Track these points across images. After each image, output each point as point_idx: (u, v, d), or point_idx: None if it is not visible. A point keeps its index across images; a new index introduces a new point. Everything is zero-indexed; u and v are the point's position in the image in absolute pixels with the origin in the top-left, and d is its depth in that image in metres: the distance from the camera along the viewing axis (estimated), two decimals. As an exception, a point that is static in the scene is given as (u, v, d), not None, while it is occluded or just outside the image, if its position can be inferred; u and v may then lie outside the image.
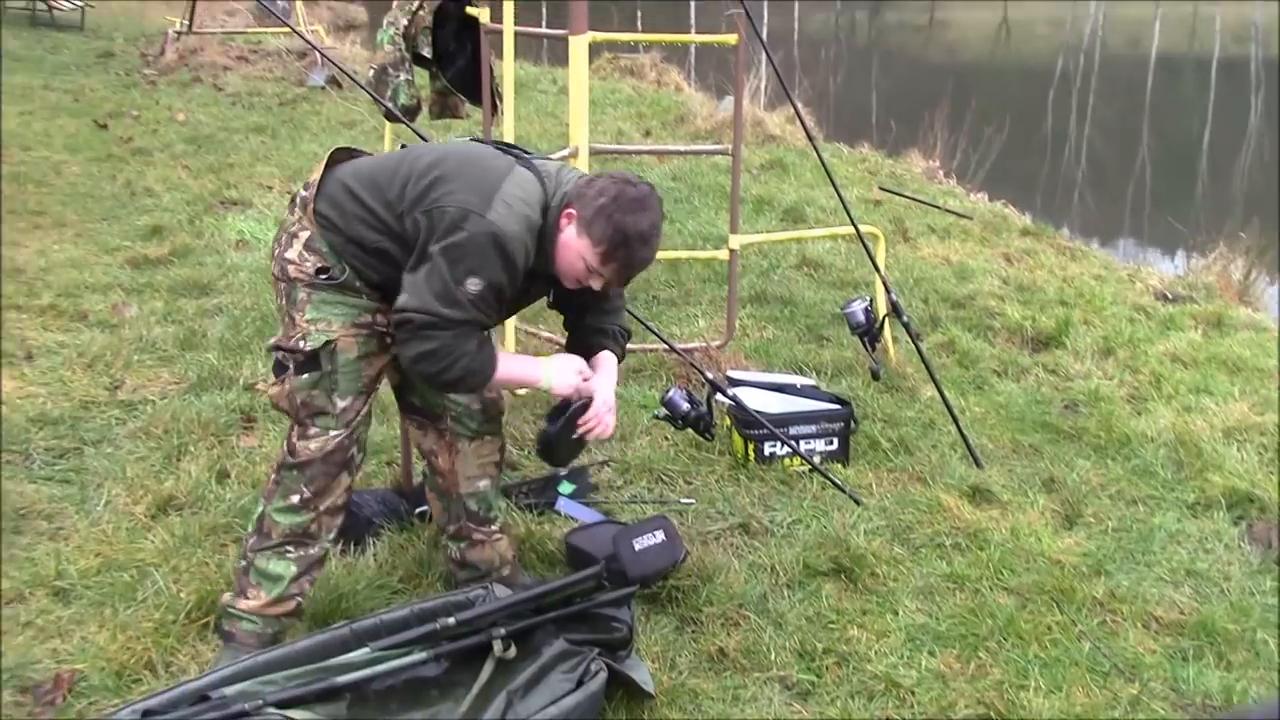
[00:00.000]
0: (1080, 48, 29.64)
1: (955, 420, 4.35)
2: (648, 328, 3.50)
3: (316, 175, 2.87)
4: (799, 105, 5.00)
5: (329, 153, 2.95)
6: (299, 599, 2.95)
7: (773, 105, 11.70)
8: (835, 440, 4.21)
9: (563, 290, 2.98)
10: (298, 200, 2.90)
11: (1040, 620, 3.33)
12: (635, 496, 3.95)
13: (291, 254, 2.86)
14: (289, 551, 2.92)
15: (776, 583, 3.47)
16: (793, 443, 4.04)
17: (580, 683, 2.75)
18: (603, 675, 2.78)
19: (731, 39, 4.75)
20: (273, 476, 2.94)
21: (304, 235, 2.86)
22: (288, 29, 12.78)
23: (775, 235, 6.27)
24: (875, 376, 4.70)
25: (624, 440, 4.32)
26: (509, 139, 4.34)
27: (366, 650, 2.69)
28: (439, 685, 2.72)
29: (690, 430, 4.02)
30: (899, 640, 3.24)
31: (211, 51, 12.46)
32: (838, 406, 4.26)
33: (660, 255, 6.23)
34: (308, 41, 5.04)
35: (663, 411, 3.93)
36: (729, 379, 4.39)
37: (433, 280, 2.68)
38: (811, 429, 4.17)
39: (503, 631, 2.79)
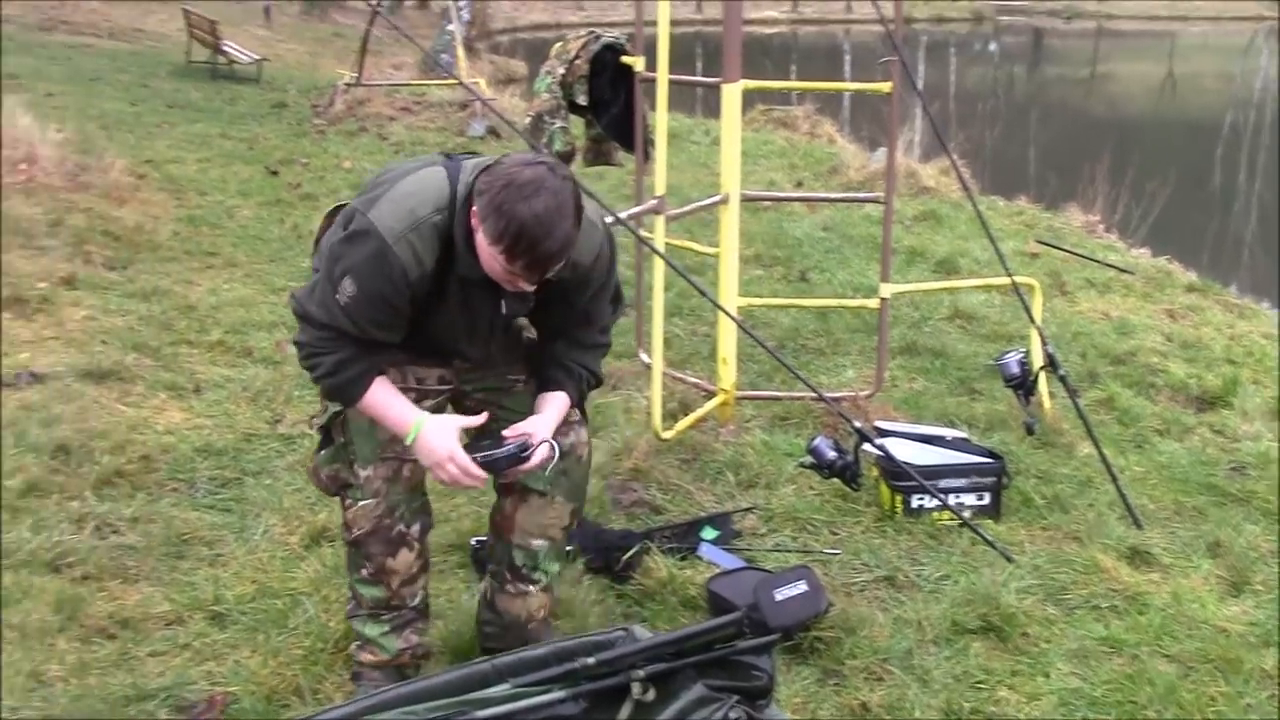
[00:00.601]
0: (1251, 101, 28.63)
1: (1114, 478, 4.20)
2: (795, 374, 3.47)
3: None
4: (954, 155, 4.94)
5: (329, 211, 2.89)
6: (410, 652, 2.97)
7: (927, 157, 11.58)
8: (987, 495, 4.10)
9: (538, 307, 2.78)
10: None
11: (1204, 690, 3.17)
12: (779, 545, 3.90)
13: None
14: (382, 616, 2.93)
15: (923, 639, 3.38)
16: (942, 496, 3.95)
17: (718, 729, 2.71)
18: (741, 723, 2.74)
19: (886, 87, 4.73)
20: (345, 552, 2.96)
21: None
22: (452, 82, 13.21)
23: (928, 285, 6.18)
24: (1030, 431, 4.57)
25: (769, 488, 4.28)
26: (660, 187, 4.38)
27: (506, 686, 2.70)
28: (576, 726, 2.71)
29: (836, 480, 3.97)
30: (1051, 704, 3.11)
31: (378, 103, 12.91)
32: (990, 460, 4.15)
33: (809, 303, 6.27)
34: (471, 91, 5.18)
35: (809, 460, 3.89)
36: (877, 429, 4.32)
37: (317, 279, 2.61)
38: (962, 482, 4.07)
39: (642, 674, 2.77)
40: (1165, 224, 10.34)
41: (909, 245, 7.97)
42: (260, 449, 4.46)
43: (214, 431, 4.60)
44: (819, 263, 7.46)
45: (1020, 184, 12.61)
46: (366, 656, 2.98)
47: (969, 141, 14.21)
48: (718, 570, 3.64)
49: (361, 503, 2.81)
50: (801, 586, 3.36)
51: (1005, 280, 4.64)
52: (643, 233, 4.22)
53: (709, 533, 3.88)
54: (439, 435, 2.64)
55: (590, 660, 2.76)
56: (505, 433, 2.74)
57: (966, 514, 3.99)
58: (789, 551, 3.84)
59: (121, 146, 9.69)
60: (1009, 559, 3.78)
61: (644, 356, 5.26)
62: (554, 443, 2.74)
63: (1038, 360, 4.61)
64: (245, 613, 3.39)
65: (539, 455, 2.73)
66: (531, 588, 3.08)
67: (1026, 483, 4.36)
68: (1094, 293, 7.29)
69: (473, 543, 3.66)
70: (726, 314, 3.79)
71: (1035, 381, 4.49)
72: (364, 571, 2.89)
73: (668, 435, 4.37)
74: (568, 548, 3.15)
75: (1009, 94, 33.02)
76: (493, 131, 11.77)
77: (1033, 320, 4.32)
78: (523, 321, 2.90)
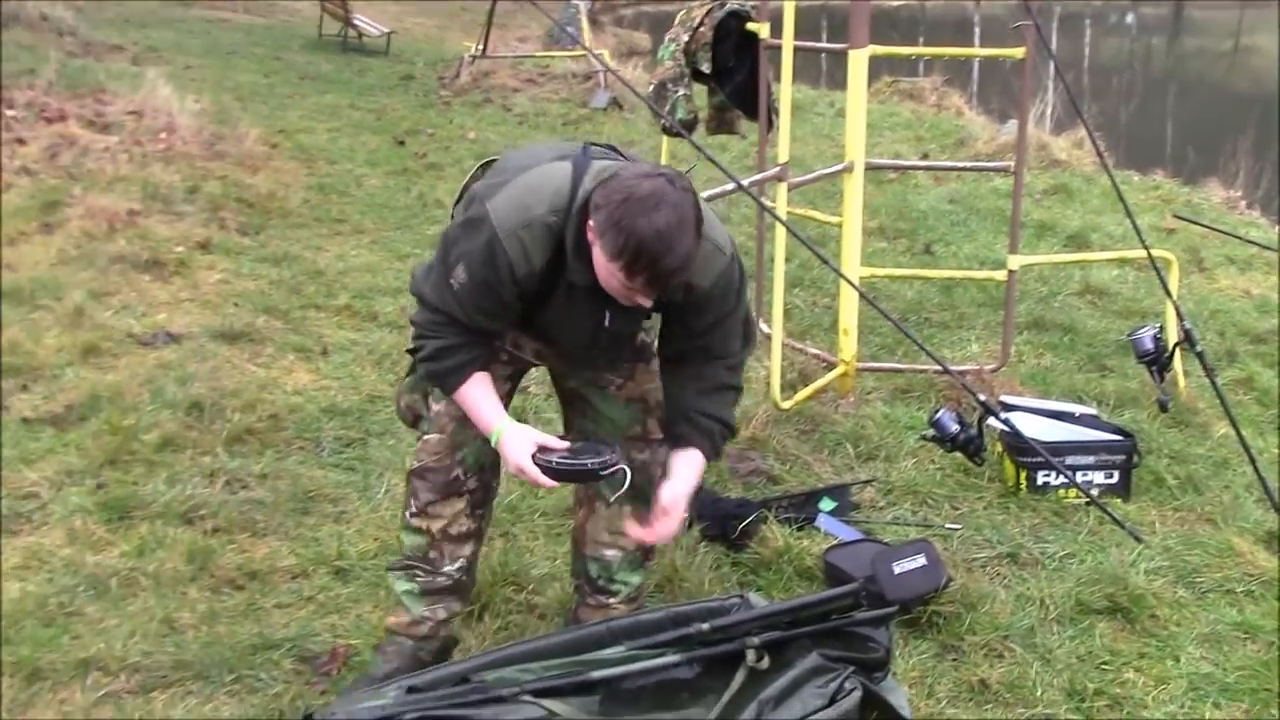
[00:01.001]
0: None
1: (1252, 460, 4.01)
2: (918, 345, 3.40)
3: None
4: (1089, 124, 4.78)
5: (483, 162, 2.85)
6: (429, 624, 2.88)
7: (1059, 129, 11.25)
8: (1115, 474, 3.98)
9: (664, 325, 2.73)
10: None
11: (1344, 680, 3.05)
12: (898, 518, 3.84)
13: None
14: (416, 574, 2.87)
15: (1045, 617, 3.30)
16: (1069, 473, 3.84)
17: (833, 699, 2.67)
18: (857, 694, 2.70)
19: (1019, 52, 4.59)
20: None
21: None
22: (577, 53, 13.23)
23: (1058, 257, 6.02)
24: (1163, 409, 4.42)
25: (889, 461, 4.22)
26: (783, 155, 4.33)
27: (621, 648, 2.71)
28: (690, 689, 2.70)
29: (959, 454, 3.89)
30: (1180, 689, 3.02)
31: (502, 75, 12.99)
32: (1120, 438, 4.03)
33: (934, 274, 6.14)
34: (596, 60, 5.18)
35: (931, 432, 3.81)
36: (1002, 404, 4.22)
37: (435, 262, 2.60)
38: (1090, 460, 3.96)
39: (757, 641, 2.75)
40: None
41: (1038, 219, 7.75)
42: (384, 411, 4.54)
43: (340, 393, 4.70)
44: (944, 236, 7.31)
45: (1156, 159, 12.17)
46: (391, 618, 2.92)
47: (1103, 115, 13.80)
48: (835, 542, 3.60)
49: (427, 436, 2.80)
50: (920, 560, 3.31)
51: (1141, 253, 4.47)
52: (765, 201, 4.17)
53: (827, 504, 3.84)
54: (515, 446, 2.58)
55: (705, 626, 2.75)
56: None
57: (1094, 492, 3.88)
58: (908, 525, 3.78)
59: (255, 117, 9.92)
60: (1138, 539, 3.67)
61: (764, 327, 5.21)
62: (628, 469, 2.64)
63: (1173, 336, 4.45)
64: (367, 568, 3.46)
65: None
66: (611, 600, 3.00)
67: (1158, 462, 4.22)
68: (1234, 270, 7.01)
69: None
70: (849, 282, 3.74)
71: (1170, 358, 4.34)
72: (408, 512, 2.85)
73: (786, 406, 4.34)
74: (647, 561, 3.04)
75: (1146, 68, 31.91)
76: (616, 103, 11.77)
77: (1169, 295, 4.16)
78: (646, 324, 2.83)
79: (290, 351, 5.06)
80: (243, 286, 5.80)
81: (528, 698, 2.54)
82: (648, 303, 2.49)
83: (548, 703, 2.53)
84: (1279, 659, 3.12)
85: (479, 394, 2.63)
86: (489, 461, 2.81)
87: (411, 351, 2.69)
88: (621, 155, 2.68)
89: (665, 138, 5.51)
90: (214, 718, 2.84)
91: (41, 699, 2.87)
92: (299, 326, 5.36)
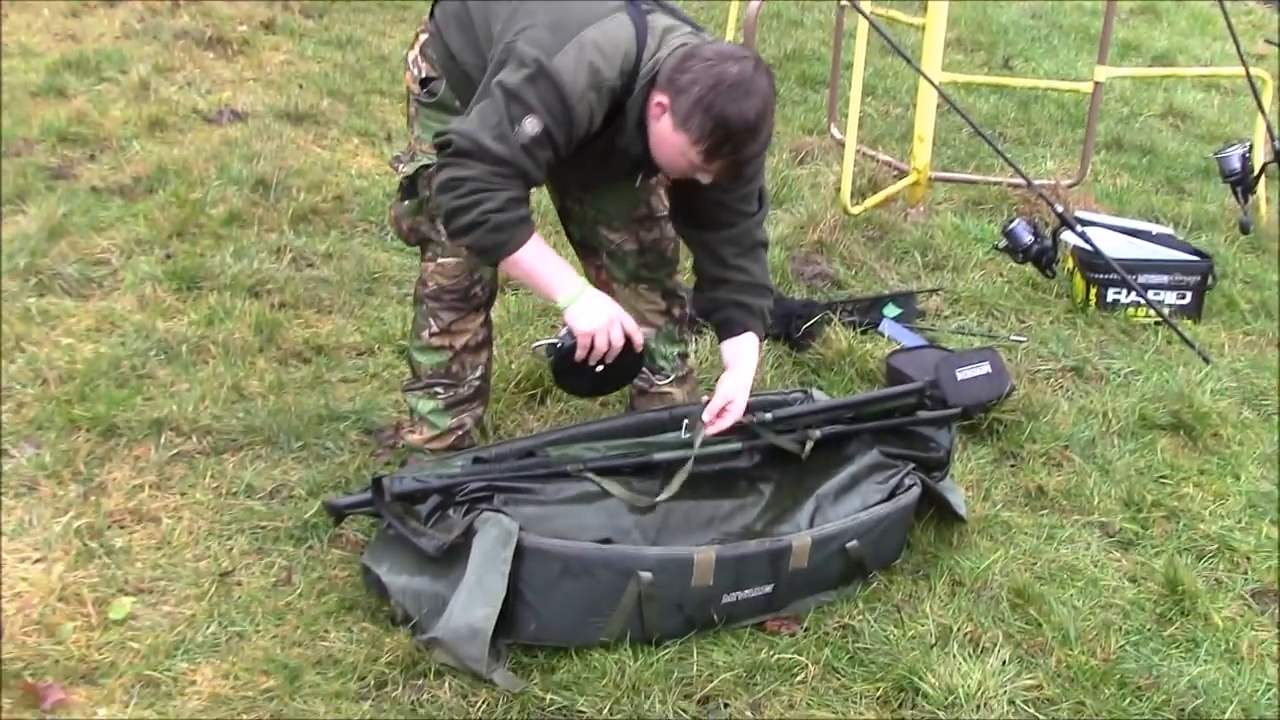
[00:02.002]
0: None
1: (1330, 287, 3.96)
2: (997, 151, 3.31)
3: None
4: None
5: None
6: (459, 433, 2.88)
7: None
8: (1188, 294, 3.91)
9: (674, 185, 2.66)
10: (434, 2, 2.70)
11: (1406, 505, 3.03)
12: (963, 327, 3.81)
13: (411, 56, 2.71)
14: (438, 392, 2.85)
15: (1107, 430, 3.30)
16: (1141, 290, 3.77)
17: (893, 494, 2.71)
18: (916, 491, 2.73)
19: None
20: (412, 313, 2.88)
21: (423, 39, 2.69)
22: None
23: (1147, 71, 5.81)
24: (1244, 230, 4.31)
25: (956, 271, 4.17)
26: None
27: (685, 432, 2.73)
28: (748, 478, 2.74)
29: (1029, 266, 3.83)
30: (1238, 505, 3.03)
31: None
32: (1196, 258, 3.95)
33: (1017, 83, 5.95)
34: None
35: (1003, 242, 3.75)
36: (1078, 219, 4.13)
37: (487, 114, 2.37)
38: (1164, 279, 3.88)
39: (817, 434, 2.77)
40: None
41: (1123, 38, 7.45)
42: (448, 198, 4.50)
43: (404, 178, 4.66)
44: (1024, 50, 7.05)
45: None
46: (414, 436, 2.91)
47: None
48: (898, 347, 3.58)
49: (442, 259, 2.73)
50: (985, 368, 3.29)
51: (1233, 71, 4.31)
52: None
53: (892, 310, 3.81)
54: (605, 300, 2.53)
55: (768, 416, 2.77)
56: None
57: (1165, 311, 3.81)
58: (973, 335, 3.75)
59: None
60: (1206, 360, 3.63)
61: (835, 132, 5.11)
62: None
63: (1261, 156, 4.30)
64: (431, 348, 3.48)
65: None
66: (657, 377, 2.99)
67: (1233, 286, 4.15)
68: (1328, 100, 6.74)
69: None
70: (930, 82, 3.61)
71: (1257, 179, 4.21)
72: (428, 334, 2.80)
73: (855, 211, 4.27)
74: (682, 332, 3.01)
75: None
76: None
77: (1263, 111, 4.01)
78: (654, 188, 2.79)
79: (355, 135, 5.02)
80: (307, 68, 5.71)
81: (590, 475, 2.58)
82: (706, 181, 2.47)
83: (607, 482, 2.58)
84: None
85: (546, 251, 2.50)
86: (494, 275, 2.79)
87: (461, 208, 2.40)
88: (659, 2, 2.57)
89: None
90: (283, 480, 2.91)
91: (117, 454, 2.94)
92: (363, 110, 5.29)
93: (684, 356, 3.00)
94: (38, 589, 2.47)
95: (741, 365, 2.67)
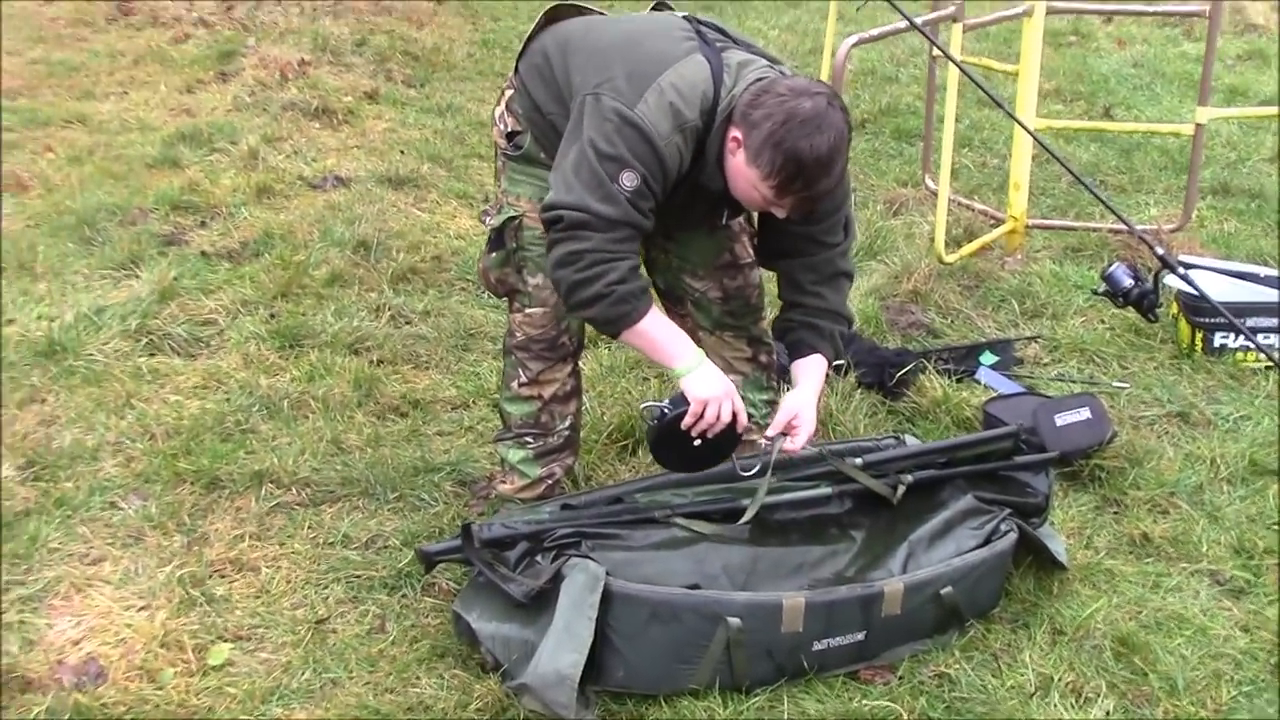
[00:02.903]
0: None
1: None
2: (1095, 195, 3.26)
3: (531, 30, 2.70)
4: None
5: (549, 8, 2.72)
6: (549, 482, 2.90)
7: (1258, -6, 10.52)
8: (1300, 337, 3.78)
9: (758, 218, 2.68)
10: (517, 59, 2.73)
11: None
12: (1063, 375, 3.73)
13: (498, 112, 2.75)
14: (527, 441, 2.87)
15: (1215, 476, 3.19)
16: (1250, 334, 3.65)
17: (988, 540, 2.65)
18: (1012, 536, 2.67)
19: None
20: (502, 364, 2.90)
21: (508, 94, 2.72)
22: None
23: (1248, 111, 5.68)
24: (1358, 271, 4.16)
25: (1055, 318, 4.09)
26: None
27: (774, 479, 2.71)
28: (839, 524, 2.70)
29: (1131, 310, 3.74)
30: (1357, 554, 2.89)
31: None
32: (1308, 300, 3.82)
33: (1114, 127, 5.86)
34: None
35: (1102, 287, 3.66)
36: (1181, 262, 4.03)
37: (582, 173, 2.38)
38: (1273, 322, 3.76)
39: (909, 478, 2.73)
40: None
41: (1229, 84, 7.30)
42: (543, 256, 4.57)
43: (501, 238, 4.74)
44: (1125, 99, 6.94)
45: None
46: (505, 486, 2.93)
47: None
48: (995, 394, 3.52)
49: (529, 310, 2.75)
50: (1085, 414, 3.22)
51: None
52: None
53: (988, 358, 3.75)
54: (721, 375, 2.54)
55: (859, 461, 2.74)
56: None
57: (1276, 355, 3.69)
58: (1073, 382, 3.68)
59: (422, -25, 9.93)
60: (1321, 404, 3.50)
61: (929, 182, 5.08)
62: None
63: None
64: (526, 402, 3.52)
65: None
66: (753, 429, 2.92)
67: (1348, 329, 3.99)
68: None
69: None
70: (1023, 127, 3.57)
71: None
72: (516, 384, 2.83)
73: (950, 260, 4.22)
74: (770, 379, 2.99)
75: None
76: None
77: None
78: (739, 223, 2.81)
79: (453, 197, 5.13)
80: (408, 135, 5.87)
81: (679, 520, 2.58)
82: (782, 215, 2.49)
83: (698, 526, 2.57)
84: None
85: (665, 320, 2.53)
86: (582, 325, 2.81)
87: (583, 281, 2.39)
88: (728, 35, 2.61)
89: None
90: (378, 530, 2.96)
91: (220, 505, 3.03)
92: (461, 174, 5.42)
93: (772, 404, 2.98)
94: (141, 635, 2.54)
95: (806, 383, 2.65)
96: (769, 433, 2.61)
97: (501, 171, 2.78)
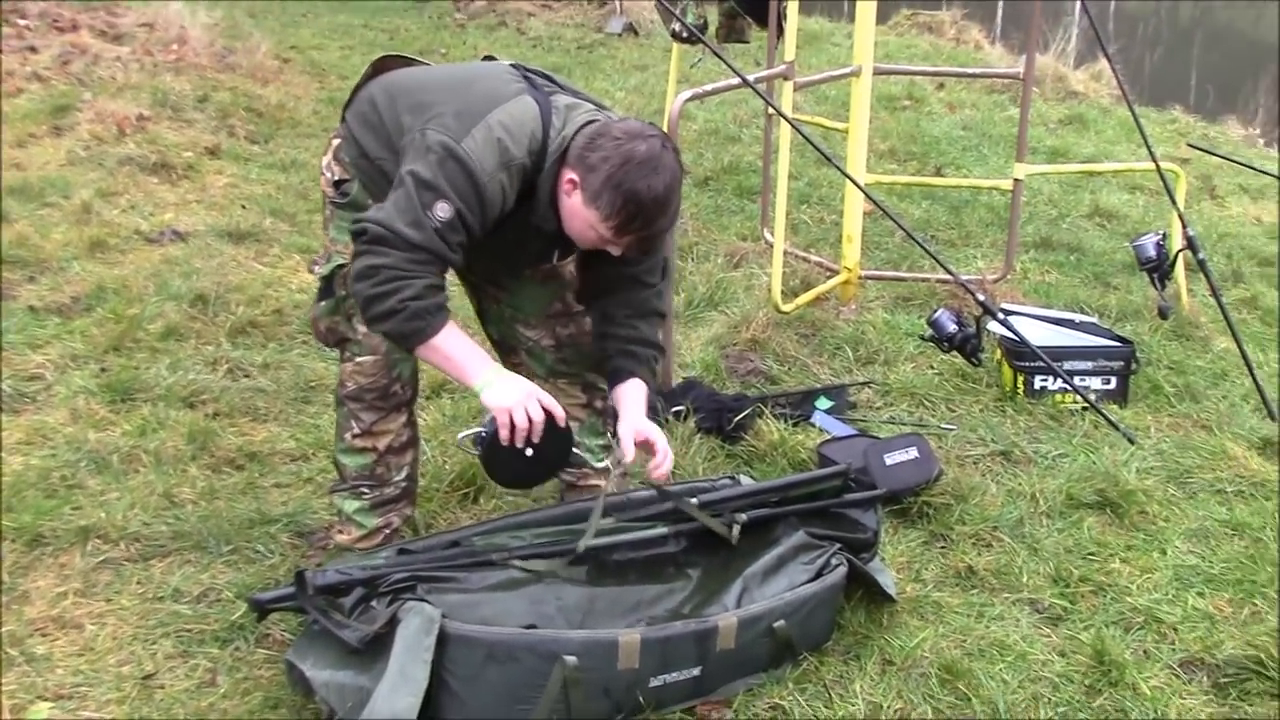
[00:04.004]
0: None
1: (1250, 369, 4.04)
2: (920, 245, 3.41)
3: (359, 80, 2.75)
4: (1108, 50, 4.72)
5: (375, 60, 2.79)
6: (386, 532, 2.89)
7: (1079, 63, 11.13)
8: (1113, 379, 3.99)
9: (582, 255, 2.75)
10: (343, 108, 2.77)
11: (1329, 574, 3.07)
12: (894, 418, 3.86)
13: (325, 161, 2.77)
14: (363, 492, 2.86)
15: (1035, 510, 3.33)
16: (1067, 377, 3.84)
17: (819, 574, 2.71)
18: (843, 570, 2.74)
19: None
20: (335, 415, 2.87)
21: (335, 144, 2.74)
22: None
23: (1063, 168, 6.01)
24: (1163, 316, 4.42)
25: (887, 365, 4.24)
26: (789, 54, 4.30)
27: (610, 520, 2.74)
28: (675, 563, 2.74)
29: (956, 355, 3.90)
30: (1165, 578, 3.05)
31: (518, -1, 12.89)
32: (1119, 344, 4.04)
33: (939, 183, 6.13)
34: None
35: (928, 332, 3.82)
36: (1003, 309, 4.22)
37: (400, 202, 2.43)
38: (1088, 365, 3.96)
39: (744, 517, 2.79)
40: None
41: (1051, 145, 7.71)
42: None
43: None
44: (955, 159, 7.27)
45: (1177, 98, 12.04)
46: (342, 537, 2.90)
47: (1125, 58, 13.59)
48: (829, 437, 3.62)
49: (359, 359, 2.74)
50: (913, 453, 3.34)
51: (1148, 167, 4.46)
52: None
53: (824, 403, 3.86)
54: (518, 378, 2.57)
55: (694, 501, 2.78)
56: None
57: (1091, 396, 3.88)
58: (904, 424, 3.80)
59: (267, 32, 9.85)
60: (1131, 441, 3.68)
61: (768, 235, 5.22)
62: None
63: (1176, 244, 4.43)
64: (425, 454, 3.48)
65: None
66: (584, 469, 3.02)
67: (1157, 372, 4.23)
68: (1246, 198, 6.97)
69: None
70: (854, 183, 3.72)
71: (1172, 265, 4.32)
72: (350, 435, 2.80)
73: (787, 309, 4.34)
74: (605, 424, 3.01)
75: (1173, 17, 31.39)
76: (631, 28, 11.67)
77: (1174, 203, 4.14)
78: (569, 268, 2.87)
79: (295, 252, 5.08)
80: (250, 190, 5.81)
81: (516, 562, 2.59)
82: (617, 254, 2.56)
83: (535, 565, 2.58)
84: None
85: (462, 337, 2.53)
86: (414, 372, 2.83)
87: (378, 295, 2.42)
88: (555, 82, 2.67)
89: (675, 45, 5.47)
90: (211, 584, 2.89)
91: (42, 563, 2.92)
92: (305, 229, 5.36)
93: (608, 448, 3.02)
94: (-48, 697, 2.43)
95: (635, 407, 2.69)
96: (624, 460, 2.65)
97: (330, 220, 2.77)
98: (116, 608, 2.79)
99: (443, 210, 2.41)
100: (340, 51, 9.73)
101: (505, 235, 2.58)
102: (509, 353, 2.95)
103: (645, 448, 2.67)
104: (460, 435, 2.69)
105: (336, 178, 2.72)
